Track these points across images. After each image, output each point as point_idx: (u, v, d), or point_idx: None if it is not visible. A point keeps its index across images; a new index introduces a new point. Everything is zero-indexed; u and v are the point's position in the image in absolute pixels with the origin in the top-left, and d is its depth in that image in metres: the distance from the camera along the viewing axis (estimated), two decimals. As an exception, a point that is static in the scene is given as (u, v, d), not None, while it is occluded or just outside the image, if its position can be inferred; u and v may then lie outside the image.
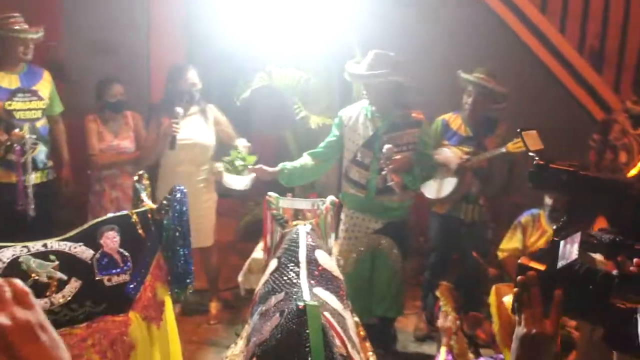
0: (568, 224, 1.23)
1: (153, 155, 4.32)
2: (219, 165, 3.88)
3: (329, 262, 2.56)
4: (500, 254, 3.71)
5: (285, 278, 2.38)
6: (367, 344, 2.71)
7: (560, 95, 5.09)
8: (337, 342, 1.98)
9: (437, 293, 3.10)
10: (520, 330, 1.23)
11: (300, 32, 4.78)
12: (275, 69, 4.60)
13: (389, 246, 3.85)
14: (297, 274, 2.37)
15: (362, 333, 2.75)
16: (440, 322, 2.66)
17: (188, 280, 2.80)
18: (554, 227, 1.25)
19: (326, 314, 2.06)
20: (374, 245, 3.88)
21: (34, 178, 3.99)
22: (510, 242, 3.67)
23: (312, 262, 2.46)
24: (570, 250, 1.21)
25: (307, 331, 1.84)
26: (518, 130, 1.58)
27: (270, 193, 3.11)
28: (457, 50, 5.00)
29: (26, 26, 3.90)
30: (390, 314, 4.03)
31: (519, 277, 1.23)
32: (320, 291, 2.30)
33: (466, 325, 3.05)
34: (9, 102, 3.86)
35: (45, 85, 4.11)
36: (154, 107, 4.67)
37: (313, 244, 2.61)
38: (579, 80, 5.03)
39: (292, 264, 2.42)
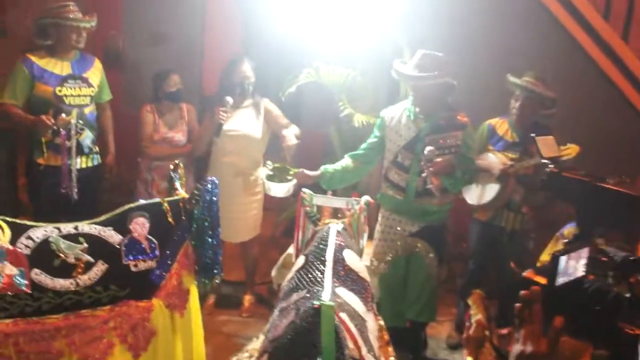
0: (580, 238, 1.15)
1: (202, 144, 4.37)
2: (262, 172, 3.84)
3: (356, 262, 2.52)
4: (540, 265, 3.56)
5: (310, 276, 2.35)
6: (390, 349, 2.65)
7: (615, 99, 4.87)
8: (350, 344, 1.94)
9: (469, 301, 2.99)
10: (516, 348, 1.15)
11: (349, 29, 4.74)
12: (322, 65, 4.57)
13: (425, 250, 3.77)
14: (322, 273, 2.33)
15: (385, 337, 2.69)
16: (466, 332, 2.55)
17: (215, 271, 2.83)
18: (565, 240, 1.17)
19: (343, 315, 2.02)
20: (409, 248, 3.81)
21: (79, 162, 4.07)
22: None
23: (338, 261, 2.42)
24: (574, 266, 1.13)
25: (319, 331, 1.82)
26: (532, 135, 1.49)
27: (304, 190, 3.09)
28: (507, 51, 4.85)
29: (80, 15, 3.99)
30: (422, 318, 3.95)
31: (522, 292, 1.16)
32: (342, 291, 2.26)
33: (496, 339, 2.93)
34: (59, 88, 3.96)
35: (95, 73, 4.20)
36: (209, 99, 4.73)
37: (342, 243, 2.57)
38: (634, 83, 4.79)
39: (319, 262, 2.38)
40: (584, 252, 1.12)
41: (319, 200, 3.14)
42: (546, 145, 1.50)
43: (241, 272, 4.81)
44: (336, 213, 3.59)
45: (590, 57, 4.66)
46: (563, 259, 1.10)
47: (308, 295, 2.19)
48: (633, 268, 1.13)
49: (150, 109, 4.51)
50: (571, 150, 3.77)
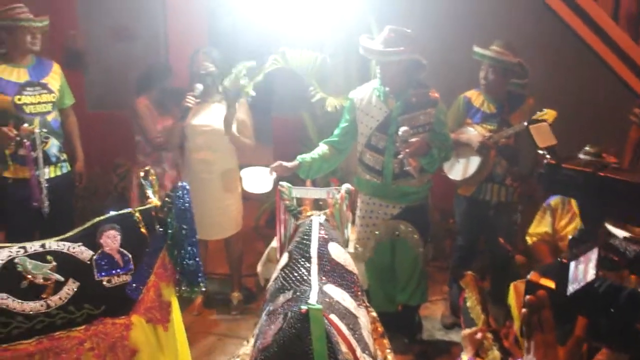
0: (586, 234, 1.04)
1: (174, 136, 4.23)
2: (245, 172, 3.70)
3: (342, 255, 2.42)
4: (529, 239, 3.47)
5: (295, 274, 2.26)
6: (385, 341, 2.57)
7: (596, 67, 4.78)
8: (344, 347, 1.85)
9: (462, 283, 2.90)
10: (528, 359, 1.04)
11: (316, 11, 4.60)
12: (289, 51, 4.42)
13: (409, 232, 3.68)
14: (308, 270, 2.24)
15: (380, 329, 2.60)
16: (466, 332, 2.45)
17: (199, 279, 2.69)
18: (570, 237, 1.06)
19: (333, 316, 1.92)
20: (392, 231, 3.71)
21: (47, 172, 3.91)
22: (540, 226, 3.43)
23: (323, 256, 2.33)
24: (584, 270, 1.02)
25: (310, 337, 1.71)
26: (525, 123, 1.38)
27: (282, 183, 2.97)
28: (477, 23, 4.74)
29: (31, 15, 3.79)
30: (414, 301, 3.86)
31: (527, 297, 1.04)
32: (331, 288, 2.17)
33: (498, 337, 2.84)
34: (19, 97, 3.78)
35: (55, 78, 4.01)
36: (176, 91, 4.61)
37: (326, 236, 2.47)
38: (615, 50, 4.70)
39: (303, 259, 2.29)
40: (593, 253, 1.02)
41: (298, 192, 3.03)
42: (541, 133, 1.39)
43: (225, 267, 4.70)
44: (318, 203, 3.49)
45: (566, 22, 4.55)
46: (572, 265, 1.00)
47: (295, 296, 2.09)
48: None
49: (145, 101, 4.39)
50: (548, 115, 3.67)
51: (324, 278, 2.21)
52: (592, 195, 1.07)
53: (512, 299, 2.74)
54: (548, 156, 1.14)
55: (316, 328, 1.70)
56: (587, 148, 3.26)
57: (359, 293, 2.39)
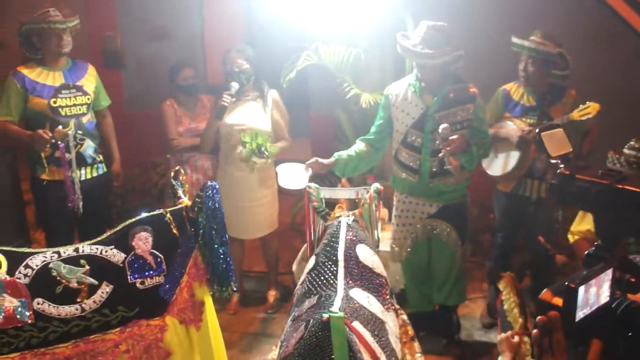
0: (603, 251, 0.96)
1: (209, 134, 4.22)
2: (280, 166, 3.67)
3: (371, 258, 2.38)
4: (571, 237, 3.35)
5: (322, 278, 2.24)
6: (416, 344, 2.51)
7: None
8: (366, 357, 1.81)
9: (500, 286, 2.81)
10: None
11: (348, 6, 4.53)
12: (322, 46, 4.38)
13: (447, 231, 3.59)
14: (335, 274, 2.22)
15: (410, 332, 2.55)
16: (503, 336, 2.36)
17: (230, 278, 2.68)
18: (586, 252, 0.98)
19: (356, 324, 1.89)
20: (429, 231, 3.63)
21: (83, 174, 3.96)
22: (582, 223, 3.30)
23: (351, 259, 2.29)
24: (597, 293, 0.95)
25: (331, 347, 1.68)
26: (537, 131, 1.29)
27: (310, 184, 2.93)
28: (517, 11, 4.59)
29: (57, 18, 3.81)
30: (451, 301, 3.79)
31: (538, 317, 0.98)
32: (357, 293, 2.14)
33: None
34: (54, 99, 3.83)
35: (90, 80, 4.05)
36: (214, 89, 4.62)
37: (354, 238, 2.43)
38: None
39: (330, 263, 2.27)
40: (607, 275, 0.94)
41: (326, 193, 2.99)
42: (554, 141, 1.30)
43: (262, 264, 4.70)
44: (354, 202, 3.44)
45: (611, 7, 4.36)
46: (582, 289, 0.93)
47: (319, 302, 2.06)
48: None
49: (170, 103, 4.43)
50: (591, 109, 3.54)
51: (350, 282, 2.18)
52: (609, 209, 0.99)
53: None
54: (561, 165, 1.06)
55: (337, 337, 1.68)
56: (632, 142, 3.14)
57: (387, 296, 2.35)
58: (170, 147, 4.42)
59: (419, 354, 2.46)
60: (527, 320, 2.55)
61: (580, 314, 0.97)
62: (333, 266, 2.22)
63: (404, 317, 2.55)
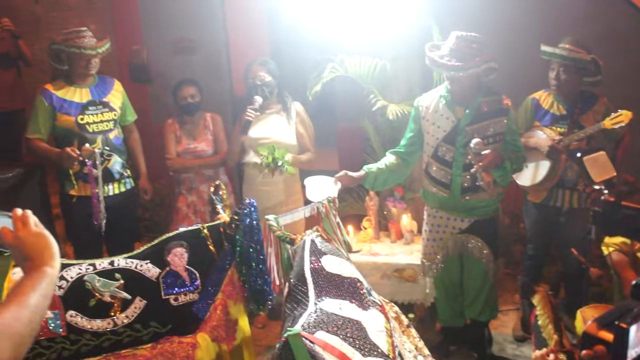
0: None
1: (233, 149, 4.22)
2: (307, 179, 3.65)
3: (338, 266, 2.39)
4: (605, 249, 3.29)
5: (295, 300, 2.27)
6: (412, 331, 2.55)
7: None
8: None
9: (534, 300, 2.76)
10: None
11: (373, 16, 4.51)
12: (347, 58, 4.36)
13: (478, 247, 3.52)
14: (305, 293, 2.24)
15: (404, 321, 2.57)
16: (538, 354, 2.30)
17: (267, 297, 2.67)
18: (633, 282, 0.93)
19: (320, 334, 1.94)
20: (461, 246, 3.57)
21: (111, 189, 3.99)
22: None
23: (317, 272, 2.32)
24: None
25: None
26: (578, 155, 1.25)
27: (267, 217, 2.73)
28: (546, 18, 4.53)
29: (92, 41, 3.86)
30: (483, 317, 3.71)
31: (584, 352, 0.94)
32: (327, 303, 2.16)
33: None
34: (81, 116, 3.85)
35: (116, 96, 4.07)
36: (240, 102, 4.61)
37: (317, 252, 2.43)
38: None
39: (300, 283, 2.29)
40: None
41: (284, 219, 2.87)
42: (596, 165, 1.25)
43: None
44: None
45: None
46: (634, 328, 0.89)
47: (292, 324, 2.10)
48: None
49: (171, 122, 4.44)
50: (623, 116, 3.48)
51: (319, 294, 2.22)
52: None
53: (579, 326, 2.57)
54: (605, 192, 1.02)
55: (298, 352, 1.80)
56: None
57: (365, 294, 2.34)
58: (167, 166, 4.41)
59: (418, 339, 2.51)
60: (562, 336, 2.49)
61: (633, 353, 0.93)
62: (303, 286, 2.25)
63: (395, 308, 2.57)
